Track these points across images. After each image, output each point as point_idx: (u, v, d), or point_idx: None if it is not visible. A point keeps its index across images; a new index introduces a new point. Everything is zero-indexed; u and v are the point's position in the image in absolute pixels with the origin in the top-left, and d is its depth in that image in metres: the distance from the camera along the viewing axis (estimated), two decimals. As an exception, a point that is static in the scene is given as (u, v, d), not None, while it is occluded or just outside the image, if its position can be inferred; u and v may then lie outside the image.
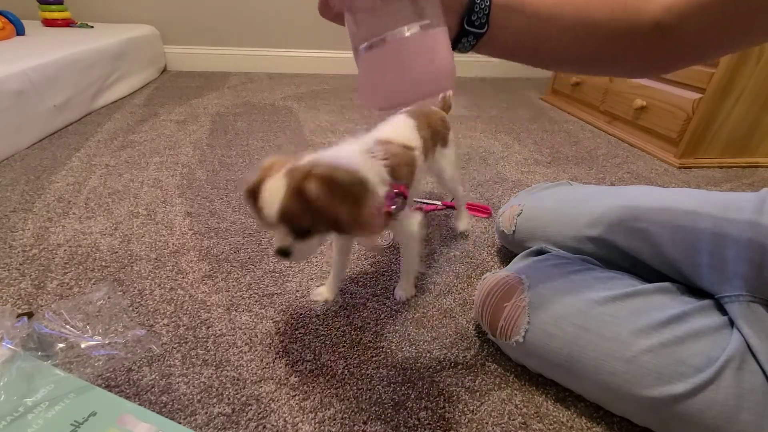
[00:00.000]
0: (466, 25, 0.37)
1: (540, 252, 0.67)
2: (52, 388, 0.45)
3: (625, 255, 0.61)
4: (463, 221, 0.90)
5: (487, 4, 0.36)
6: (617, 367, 0.47)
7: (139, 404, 0.49)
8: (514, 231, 0.74)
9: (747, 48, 0.37)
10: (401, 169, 0.58)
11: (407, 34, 0.29)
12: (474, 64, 2.50)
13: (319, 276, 0.74)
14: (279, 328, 0.63)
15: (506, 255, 0.82)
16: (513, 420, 0.52)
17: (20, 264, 0.73)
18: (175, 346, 0.59)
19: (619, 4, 0.39)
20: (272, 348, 0.60)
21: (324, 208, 0.45)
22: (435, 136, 0.72)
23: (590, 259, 0.62)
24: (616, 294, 0.52)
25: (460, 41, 0.38)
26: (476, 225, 0.93)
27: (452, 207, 0.99)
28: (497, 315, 0.55)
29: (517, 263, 0.65)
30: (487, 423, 0.51)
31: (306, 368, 0.57)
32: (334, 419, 0.51)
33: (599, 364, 0.48)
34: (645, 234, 0.58)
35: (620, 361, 0.47)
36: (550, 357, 0.51)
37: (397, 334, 0.63)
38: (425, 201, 1.01)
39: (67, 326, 0.56)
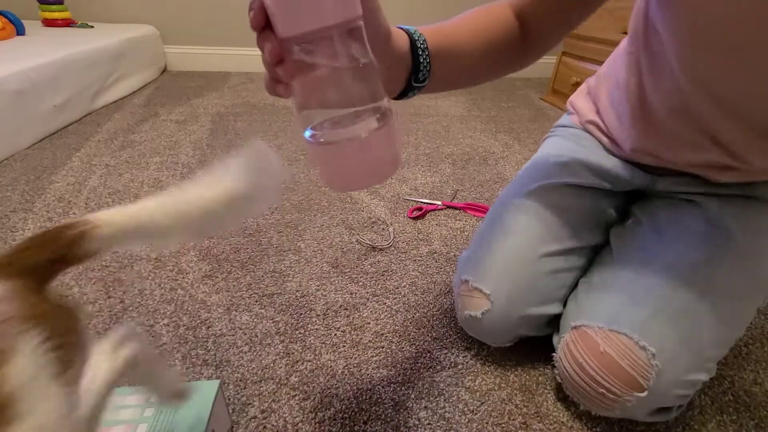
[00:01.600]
0: (414, 83, 0.40)
1: None
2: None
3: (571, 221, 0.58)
4: None
5: (428, 60, 0.39)
6: None
7: (139, 404, 0.49)
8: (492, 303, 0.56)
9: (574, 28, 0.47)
10: None
11: (364, 135, 0.28)
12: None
13: (319, 276, 0.74)
14: (279, 328, 0.63)
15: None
16: (513, 420, 0.52)
17: (20, 264, 0.73)
18: (175, 346, 0.59)
19: (490, 16, 0.44)
20: (272, 348, 0.60)
21: None
22: None
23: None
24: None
25: (406, 95, 0.41)
26: (476, 225, 0.93)
27: (453, 207, 0.99)
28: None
29: None
30: (487, 423, 0.51)
31: (306, 368, 0.57)
32: (334, 419, 0.51)
33: None
34: (554, 191, 0.60)
35: None
36: None
37: (397, 334, 0.63)
38: (425, 201, 1.01)
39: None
